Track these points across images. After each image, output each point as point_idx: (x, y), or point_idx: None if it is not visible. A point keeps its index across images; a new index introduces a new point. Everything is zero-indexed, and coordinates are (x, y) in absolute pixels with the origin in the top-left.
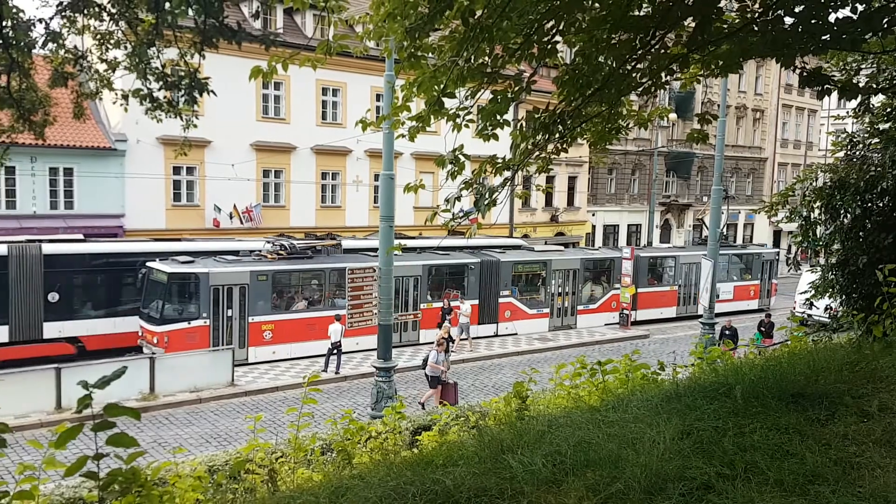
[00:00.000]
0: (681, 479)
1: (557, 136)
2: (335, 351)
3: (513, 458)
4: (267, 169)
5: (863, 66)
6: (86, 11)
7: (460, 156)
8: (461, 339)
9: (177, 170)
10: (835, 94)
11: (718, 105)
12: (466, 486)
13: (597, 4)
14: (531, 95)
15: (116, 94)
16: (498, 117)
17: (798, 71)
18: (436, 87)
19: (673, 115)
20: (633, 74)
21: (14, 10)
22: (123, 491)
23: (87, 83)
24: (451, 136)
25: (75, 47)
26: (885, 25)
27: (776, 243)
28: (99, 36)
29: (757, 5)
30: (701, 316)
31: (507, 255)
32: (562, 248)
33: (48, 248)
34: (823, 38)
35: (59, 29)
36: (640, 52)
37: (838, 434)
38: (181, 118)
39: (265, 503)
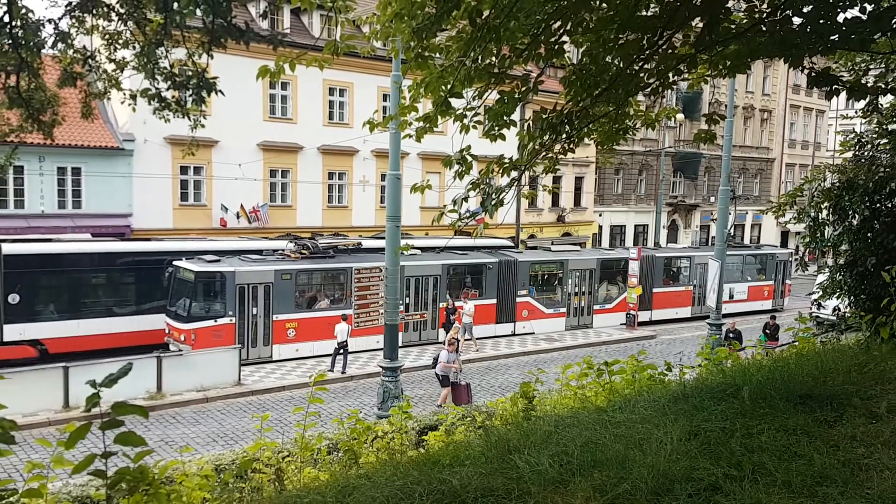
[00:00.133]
0: (688, 479)
1: (564, 136)
2: (341, 351)
3: (519, 458)
4: (274, 169)
5: (871, 67)
6: (94, 11)
7: (467, 156)
8: (465, 340)
9: (184, 169)
10: (843, 95)
11: (726, 105)
12: (473, 485)
13: (604, 4)
14: (538, 96)
15: (125, 94)
16: (505, 118)
17: (806, 71)
18: (443, 87)
19: (680, 116)
20: (641, 74)
21: (23, 11)
22: (131, 489)
23: (96, 83)
24: (458, 137)
25: (84, 47)
26: (895, 26)
27: (783, 244)
28: (107, 36)
29: (765, 5)
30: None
31: (524, 254)
32: (578, 248)
33: (8, 249)
34: (832, 38)
35: (68, 29)
36: (647, 52)
37: (846, 435)
38: (189, 118)
39: (272, 502)
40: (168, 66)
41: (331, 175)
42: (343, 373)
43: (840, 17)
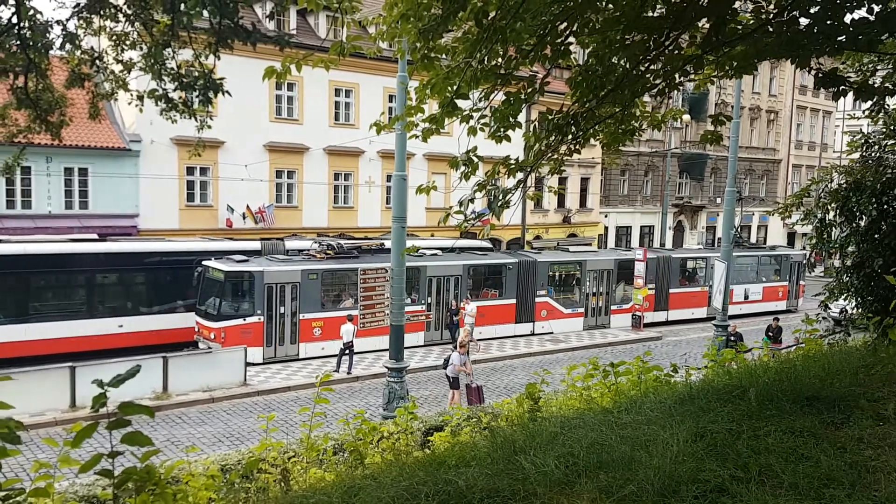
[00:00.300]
0: (694, 481)
1: (570, 137)
2: (347, 351)
3: (525, 459)
4: (280, 169)
5: (879, 67)
6: (102, 13)
7: (473, 157)
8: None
9: (190, 170)
10: (850, 96)
11: (732, 106)
12: (479, 486)
13: (610, 5)
14: (544, 97)
15: (132, 95)
16: (511, 119)
17: (814, 72)
18: (449, 88)
19: (686, 117)
20: (647, 75)
21: (32, 12)
22: (138, 489)
23: (103, 84)
24: (464, 138)
25: (91, 48)
26: None
27: (790, 245)
28: (115, 37)
29: (772, 6)
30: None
31: (543, 255)
32: (595, 248)
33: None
34: (839, 38)
35: (76, 30)
36: (653, 53)
37: (853, 437)
38: (196, 119)
39: (278, 502)
40: (175, 67)
41: (336, 176)
42: (349, 373)
43: (847, 18)
